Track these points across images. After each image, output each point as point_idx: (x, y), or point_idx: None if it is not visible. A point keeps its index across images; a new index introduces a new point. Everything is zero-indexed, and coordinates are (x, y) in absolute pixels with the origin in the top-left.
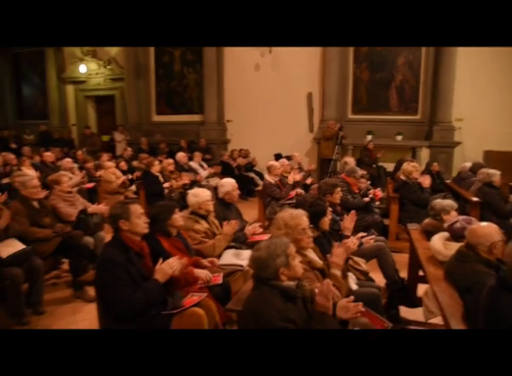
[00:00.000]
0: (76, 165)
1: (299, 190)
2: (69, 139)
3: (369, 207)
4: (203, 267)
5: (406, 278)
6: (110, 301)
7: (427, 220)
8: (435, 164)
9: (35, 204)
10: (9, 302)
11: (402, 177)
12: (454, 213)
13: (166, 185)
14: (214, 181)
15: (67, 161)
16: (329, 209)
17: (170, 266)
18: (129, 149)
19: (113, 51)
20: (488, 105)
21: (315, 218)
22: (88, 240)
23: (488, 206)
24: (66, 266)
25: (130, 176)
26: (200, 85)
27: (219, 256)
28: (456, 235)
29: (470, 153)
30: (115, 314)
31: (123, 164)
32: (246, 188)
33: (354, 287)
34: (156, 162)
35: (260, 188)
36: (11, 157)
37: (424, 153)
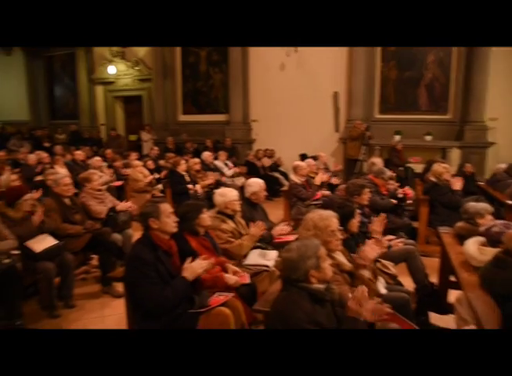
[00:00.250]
0: (105, 164)
1: (325, 192)
2: (98, 138)
3: (399, 209)
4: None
5: (436, 283)
6: (139, 297)
7: (459, 224)
8: (468, 165)
9: (67, 201)
10: (41, 295)
11: (432, 178)
12: (489, 217)
13: (190, 186)
14: (239, 180)
15: (96, 160)
16: (358, 211)
17: (199, 265)
18: (156, 148)
19: (141, 52)
20: None
21: (343, 219)
22: (117, 237)
23: None
24: (95, 262)
25: (157, 175)
26: (226, 85)
27: (245, 256)
28: (492, 240)
29: (505, 154)
30: (144, 310)
31: (150, 163)
32: (271, 188)
33: (383, 291)
34: (183, 161)
35: (285, 188)
36: (44, 155)
37: (454, 154)
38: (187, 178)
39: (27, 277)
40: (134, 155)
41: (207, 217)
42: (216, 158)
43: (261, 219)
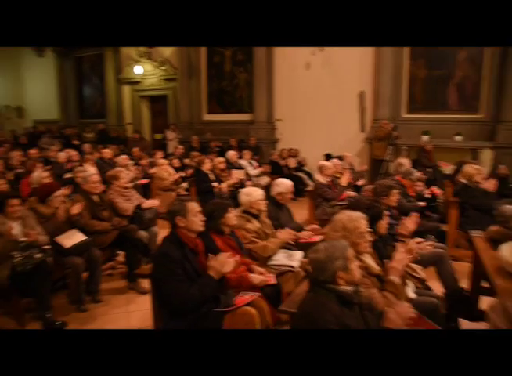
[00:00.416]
0: (131, 162)
1: (350, 192)
2: (124, 137)
3: (429, 210)
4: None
5: (467, 289)
6: (166, 294)
7: (493, 227)
8: (503, 166)
9: (95, 198)
10: (70, 290)
11: (463, 180)
12: None
13: (215, 185)
14: (264, 180)
15: (123, 158)
16: (386, 212)
17: (225, 264)
18: (181, 147)
19: (167, 52)
20: None
21: (371, 221)
22: (143, 234)
23: None
24: (121, 258)
25: (183, 174)
26: (250, 85)
27: (269, 256)
28: None
29: None
30: (170, 308)
31: (175, 162)
32: (296, 188)
33: (412, 295)
34: (207, 160)
35: (310, 188)
36: (73, 153)
37: (485, 155)
38: (212, 177)
39: (57, 272)
40: (159, 154)
41: (233, 216)
42: (241, 157)
43: (286, 219)
